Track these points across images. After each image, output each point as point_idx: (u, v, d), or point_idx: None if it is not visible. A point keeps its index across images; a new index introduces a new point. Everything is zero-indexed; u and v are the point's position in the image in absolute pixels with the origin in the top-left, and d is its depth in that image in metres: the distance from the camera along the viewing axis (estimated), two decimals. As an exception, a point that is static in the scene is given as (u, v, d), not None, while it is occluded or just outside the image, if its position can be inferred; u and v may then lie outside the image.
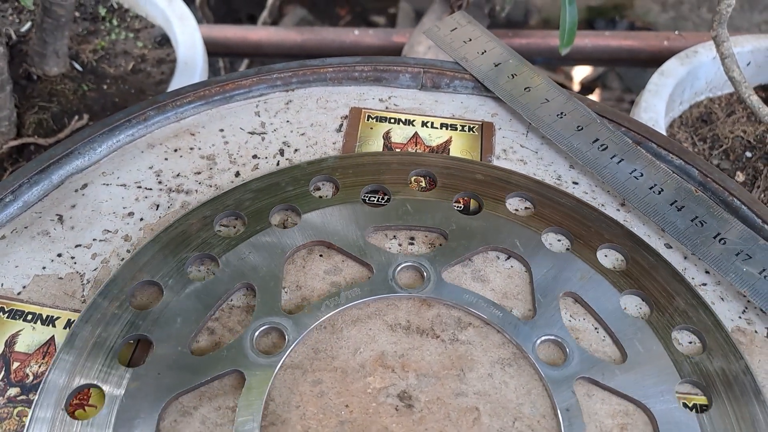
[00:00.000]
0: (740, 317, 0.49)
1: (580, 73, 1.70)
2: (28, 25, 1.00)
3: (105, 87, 0.93)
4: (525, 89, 0.61)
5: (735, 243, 0.51)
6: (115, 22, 1.04)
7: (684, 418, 0.44)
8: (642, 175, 0.55)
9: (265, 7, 1.27)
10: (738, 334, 0.49)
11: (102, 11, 1.05)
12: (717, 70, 1.01)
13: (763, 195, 0.98)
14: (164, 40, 1.00)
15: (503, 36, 1.20)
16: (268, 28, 1.22)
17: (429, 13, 1.09)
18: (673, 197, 0.54)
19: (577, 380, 0.46)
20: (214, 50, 1.12)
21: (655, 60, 1.05)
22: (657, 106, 0.95)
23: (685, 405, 0.45)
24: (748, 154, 1.01)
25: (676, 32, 1.21)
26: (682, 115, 1.06)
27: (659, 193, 0.54)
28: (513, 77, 0.62)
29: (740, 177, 0.98)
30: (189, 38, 0.95)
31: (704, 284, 0.51)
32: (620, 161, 0.56)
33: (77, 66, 0.94)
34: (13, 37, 0.95)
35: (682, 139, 1.02)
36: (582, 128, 0.58)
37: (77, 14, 1.02)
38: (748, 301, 0.50)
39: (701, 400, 0.45)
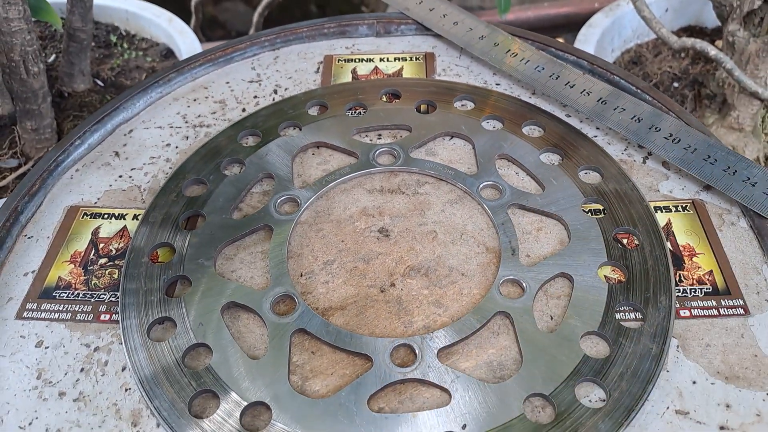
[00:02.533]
0: (623, 153, 0.67)
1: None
2: (53, 57, 1.18)
3: (125, 95, 1.11)
4: (453, 23, 0.79)
5: (611, 102, 0.69)
6: (125, 46, 1.22)
7: (586, 219, 0.61)
8: (543, 69, 0.73)
9: (252, 24, 1.45)
10: (622, 164, 0.66)
11: (113, 38, 1.23)
12: (640, 19, 1.19)
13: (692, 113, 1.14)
14: (169, 53, 1.19)
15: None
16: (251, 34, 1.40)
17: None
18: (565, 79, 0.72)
19: (510, 207, 0.63)
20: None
21: (588, 21, 1.22)
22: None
23: (587, 212, 0.62)
24: (676, 84, 1.18)
25: (605, -6, 1.40)
26: (615, 61, 1.23)
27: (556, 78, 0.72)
28: (444, 17, 0.81)
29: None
30: (190, 47, 1.14)
31: (596, 136, 0.69)
32: (527, 62, 0.74)
33: (99, 82, 1.12)
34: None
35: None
36: (498, 44, 0.76)
37: (93, 44, 1.20)
38: (628, 142, 0.67)
39: (597, 206, 0.62)
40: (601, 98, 0.69)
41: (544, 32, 1.49)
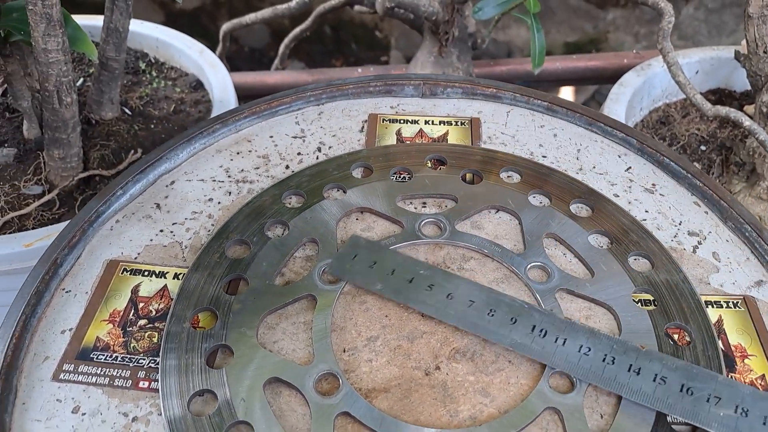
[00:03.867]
0: (672, 240, 0.66)
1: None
2: (81, 81, 1.17)
3: (152, 126, 1.10)
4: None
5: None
6: (154, 74, 1.21)
7: (637, 311, 0.60)
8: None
9: (272, 48, 1.45)
10: (672, 251, 0.65)
11: (142, 65, 1.22)
12: (670, 79, 1.18)
13: (717, 180, 1.14)
14: (198, 85, 1.18)
15: (485, 65, 1.38)
16: (281, 72, 1.40)
17: (421, 48, 1.26)
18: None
19: (558, 291, 0.62)
20: (238, 94, 1.29)
21: (617, 76, 1.22)
22: (617, 111, 1.12)
23: (637, 302, 0.61)
24: (703, 147, 1.18)
25: (634, 51, 1.40)
26: (643, 120, 1.23)
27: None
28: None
29: (697, 167, 1.15)
30: (221, 81, 1.13)
31: (644, 219, 0.68)
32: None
33: (127, 111, 1.11)
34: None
35: (644, 138, 1.19)
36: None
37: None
38: (678, 228, 0.67)
39: (647, 296, 0.61)
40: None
41: (572, 83, 1.49)
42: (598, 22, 2.11)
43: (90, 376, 0.55)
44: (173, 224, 0.67)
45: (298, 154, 0.74)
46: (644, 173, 0.73)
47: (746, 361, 0.57)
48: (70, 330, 0.58)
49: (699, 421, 0.51)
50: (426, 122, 0.78)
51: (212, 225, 0.67)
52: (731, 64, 1.26)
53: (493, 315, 0.58)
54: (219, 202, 0.69)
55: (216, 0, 2.20)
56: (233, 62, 1.60)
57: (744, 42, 1.06)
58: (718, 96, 1.29)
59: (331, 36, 2.25)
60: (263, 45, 2.22)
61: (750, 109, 1.14)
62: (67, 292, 0.61)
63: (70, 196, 1.01)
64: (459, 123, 0.78)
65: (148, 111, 1.12)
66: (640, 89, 1.19)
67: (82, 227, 0.64)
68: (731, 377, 0.56)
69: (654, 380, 0.53)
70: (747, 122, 1.00)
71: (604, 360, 0.55)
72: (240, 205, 0.67)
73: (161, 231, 0.66)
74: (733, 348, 0.58)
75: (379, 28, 2.22)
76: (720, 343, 0.58)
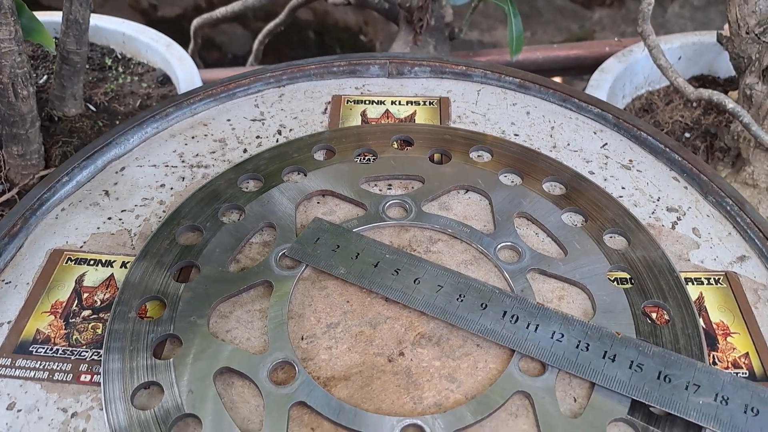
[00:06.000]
0: (650, 216, 0.63)
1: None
2: (45, 78, 1.14)
3: (117, 122, 1.06)
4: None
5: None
6: (120, 70, 1.18)
7: (613, 290, 0.56)
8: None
9: (251, 51, 1.42)
10: (650, 228, 0.61)
11: (108, 61, 1.19)
12: (653, 65, 1.15)
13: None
14: (165, 80, 1.14)
15: (464, 56, 1.35)
16: (253, 68, 1.36)
17: (397, 39, 1.23)
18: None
19: (529, 271, 0.58)
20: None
21: (599, 65, 1.19)
22: (599, 98, 1.09)
23: (612, 280, 0.57)
24: (687, 134, 1.15)
25: (616, 39, 1.37)
26: (626, 107, 1.19)
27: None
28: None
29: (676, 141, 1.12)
30: (188, 75, 1.09)
31: (621, 197, 0.64)
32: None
33: (91, 107, 1.08)
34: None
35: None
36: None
37: (87, 66, 1.16)
38: (656, 204, 0.63)
39: (624, 274, 0.58)
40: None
41: (553, 74, 1.46)
42: (585, 21, 2.09)
43: (28, 371, 0.51)
44: (122, 211, 0.63)
45: (257, 137, 0.71)
46: (621, 149, 0.70)
47: (729, 339, 0.54)
48: (9, 323, 0.54)
49: (677, 409, 0.47)
50: (392, 102, 0.75)
51: (164, 212, 0.63)
52: (714, 49, 1.23)
53: (462, 300, 0.55)
54: (171, 188, 0.65)
55: (197, 6, 2.17)
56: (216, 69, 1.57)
57: (726, 25, 1.03)
58: (702, 82, 1.26)
59: (315, 41, 2.22)
60: (246, 51, 2.19)
61: (734, 94, 1.11)
62: (6, 283, 0.57)
63: (32, 195, 0.97)
64: (427, 103, 0.75)
65: (113, 107, 1.08)
66: (621, 76, 1.15)
67: (24, 216, 0.60)
68: (713, 356, 0.53)
69: (630, 367, 0.50)
70: (731, 105, 0.97)
71: (577, 346, 0.51)
72: (194, 190, 0.64)
73: (109, 218, 0.62)
74: (714, 325, 0.55)
75: (364, 32, 2.19)
76: (701, 321, 0.54)
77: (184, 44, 1.22)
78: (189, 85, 1.08)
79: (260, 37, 1.39)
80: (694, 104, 1.19)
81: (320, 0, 1.34)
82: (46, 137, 0.99)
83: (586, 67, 1.34)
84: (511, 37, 1.08)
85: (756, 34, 0.98)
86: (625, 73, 1.16)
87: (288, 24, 1.36)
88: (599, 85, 1.11)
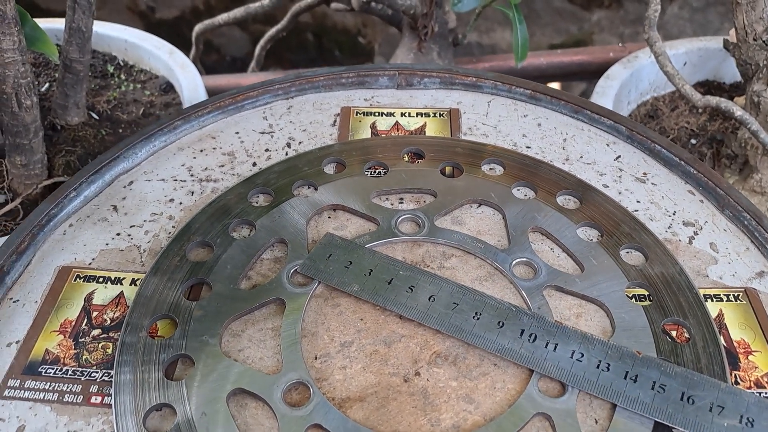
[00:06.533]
0: (667, 231, 0.62)
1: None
2: (47, 86, 1.12)
3: (120, 131, 1.05)
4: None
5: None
6: (123, 77, 1.16)
7: (632, 307, 0.55)
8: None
9: (250, 52, 1.40)
10: (667, 243, 0.61)
11: (110, 69, 1.18)
12: (658, 71, 1.14)
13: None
14: (168, 87, 1.13)
15: (468, 62, 1.34)
16: (257, 74, 1.36)
17: (401, 45, 1.22)
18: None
19: (546, 288, 0.57)
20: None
21: (603, 71, 1.18)
22: (605, 104, 1.08)
23: (631, 297, 0.56)
24: (693, 141, 1.14)
25: (620, 44, 1.36)
26: (631, 114, 1.19)
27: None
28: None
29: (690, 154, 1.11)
30: (192, 82, 1.08)
31: (636, 210, 0.63)
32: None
33: (94, 115, 1.07)
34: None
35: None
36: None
37: (89, 74, 1.14)
38: (672, 217, 0.62)
39: (642, 291, 0.57)
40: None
41: (556, 79, 1.45)
42: (583, 23, 2.09)
43: (37, 392, 0.50)
44: (131, 227, 0.62)
45: (266, 150, 0.70)
46: (634, 162, 0.69)
47: (750, 357, 0.53)
48: (17, 343, 0.53)
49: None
50: (402, 114, 0.74)
51: (173, 227, 0.62)
52: (719, 55, 1.22)
53: (478, 318, 0.54)
54: (180, 203, 0.64)
55: (196, 9, 2.16)
56: (215, 71, 1.55)
57: (732, 30, 1.02)
58: (707, 88, 1.25)
59: (314, 43, 2.21)
60: (244, 54, 2.18)
61: (740, 100, 1.10)
62: (14, 302, 0.56)
63: (35, 205, 0.96)
64: (437, 114, 0.74)
65: (116, 115, 1.07)
66: (627, 82, 1.15)
67: (32, 232, 0.59)
68: (735, 375, 0.52)
69: (652, 388, 0.49)
70: (738, 112, 0.96)
71: (598, 366, 0.50)
72: (203, 205, 0.63)
73: (118, 234, 0.61)
74: (735, 344, 0.54)
75: (363, 35, 2.18)
76: (722, 339, 0.54)
77: (183, 47, 1.21)
78: (192, 92, 1.07)
79: (262, 42, 1.38)
80: (700, 110, 1.18)
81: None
82: (48, 146, 0.98)
83: (590, 73, 1.34)
84: (517, 44, 1.07)
85: (764, 41, 0.97)
86: (630, 79, 1.15)
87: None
88: (605, 92, 1.11)
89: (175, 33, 2.20)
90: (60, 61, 0.98)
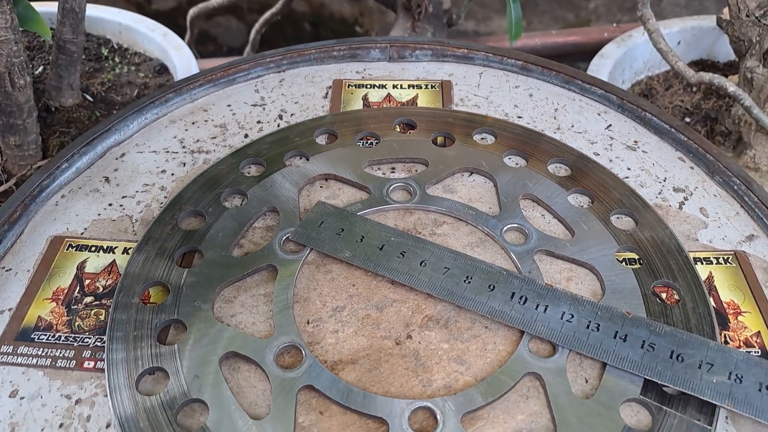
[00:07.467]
0: (657, 196, 0.62)
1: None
2: (41, 68, 1.12)
3: (115, 112, 1.05)
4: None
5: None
6: (117, 60, 1.17)
7: (621, 270, 0.56)
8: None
9: (247, 42, 1.40)
10: (657, 209, 0.61)
11: (104, 51, 1.18)
12: (652, 50, 1.15)
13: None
14: (163, 69, 1.13)
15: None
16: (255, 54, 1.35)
17: (395, 26, 1.22)
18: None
19: (536, 253, 0.57)
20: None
21: (597, 51, 1.18)
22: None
23: (621, 261, 0.57)
24: (687, 119, 1.14)
25: (614, 24, 1.36)
26: (626, 93, 1.19)
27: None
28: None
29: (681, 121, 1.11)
30: (185, 64, 1.08)
31: (627, 177, 0.64)
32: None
33: (88, 97, 1.07)
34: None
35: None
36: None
37: (83, 56, 1.15)
38: (662, 185, 0.63)
39: (632, 255, 0.57)
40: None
41: (552, 60, 1.45)
42: (580, 11, 2.09)
43: (30, 358, 0.51)
44: (123, 197, 0.62)
45: (258, 122, 0.70)
46: (625, 130, 0.69)
47: (740, 318, 0.53)
48: (10, 310, 0.53)
49: (691, 388, 0.47)
50: (394, 86, 0.74)
51: (165, 197, 0.62)
52: (713, 33, 1.23)
53: (469, 282, 0.54)
54: (172, 174, 0.64)
55: (192, 0, 2.16)
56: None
57: (726, 8, 1.02)
58: (701, 67, 1.25)
59: (311, 32, 2.21)
60: (241, 44, 2.18)
61: (735, 78, 1.11)
62: (7, 270, 0.56)
63: (30, 186, 0.96)
64: (429, 86, 0.74)
65: (111, 97, 1.08)
66: (621, 61, 1.15)
67: (24, 202, 0.60)
68: (725, 335, 0.52)
69: (642, 347, 0.49)
70: (731, 88, 0.96)
71: (588, 327, 0.51)
72: (195, 175, 0.63)
73: (110, 205, 0.62)
74: (725, 305, 0.54)
75: (360, 24, 2.18)
76: (711, 300, 0.54)
77: (180, 36, 1.21)
78: (186, 74, 1.07)
79: (257, 26, 1.38)
80: (694, 89, 1.18)
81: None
82: (43, 128, 0.98)
83: (585, 53, 1.33)
84: (510, 22, 1.07)
85: (756, 17, 0.97)
86: (624, 58, 1.16)
87: (283, 16, 1.35)
88: (599, 71, 1.11)
89: (172, 23, 2.19)
90: (53, 42, 0.98)
